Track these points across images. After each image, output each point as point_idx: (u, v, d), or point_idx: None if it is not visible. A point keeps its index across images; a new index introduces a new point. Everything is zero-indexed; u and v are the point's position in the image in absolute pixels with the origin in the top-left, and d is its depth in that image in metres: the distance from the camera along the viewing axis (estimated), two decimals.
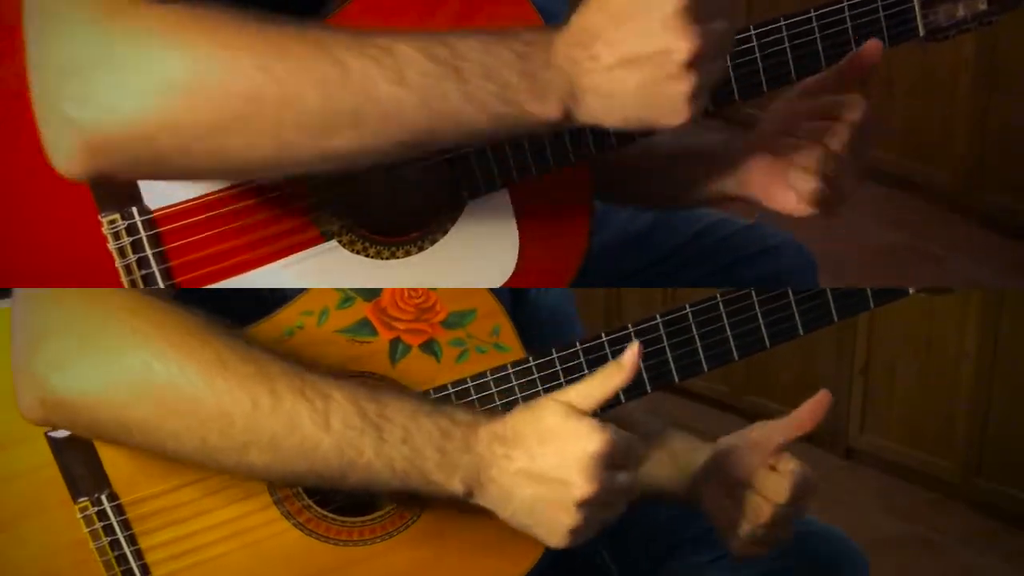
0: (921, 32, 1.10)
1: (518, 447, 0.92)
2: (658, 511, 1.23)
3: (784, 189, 1.10)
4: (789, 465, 1.07)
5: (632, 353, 0.95)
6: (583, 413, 0.93)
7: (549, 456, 0.92)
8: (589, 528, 0.93)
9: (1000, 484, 2.48)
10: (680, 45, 0.86)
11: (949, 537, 2.48)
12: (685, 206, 1.28)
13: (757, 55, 1.05)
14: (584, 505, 0.91)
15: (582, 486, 0.91)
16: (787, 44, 1.06)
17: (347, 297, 0.99)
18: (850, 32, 1.07)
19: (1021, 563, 2.39)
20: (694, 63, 0.87)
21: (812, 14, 1.06)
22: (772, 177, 1.11)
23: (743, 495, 1.08)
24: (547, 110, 0.89)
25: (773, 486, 1.07)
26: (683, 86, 0.88)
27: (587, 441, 0.91)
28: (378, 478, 0.92)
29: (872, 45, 1.06)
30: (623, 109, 0.89)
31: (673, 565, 1.21)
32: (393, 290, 0.99)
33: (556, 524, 0.93)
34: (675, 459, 1.18)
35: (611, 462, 0.92)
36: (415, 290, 1.00)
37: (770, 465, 1.08)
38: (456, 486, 0.93)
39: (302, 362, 0.92)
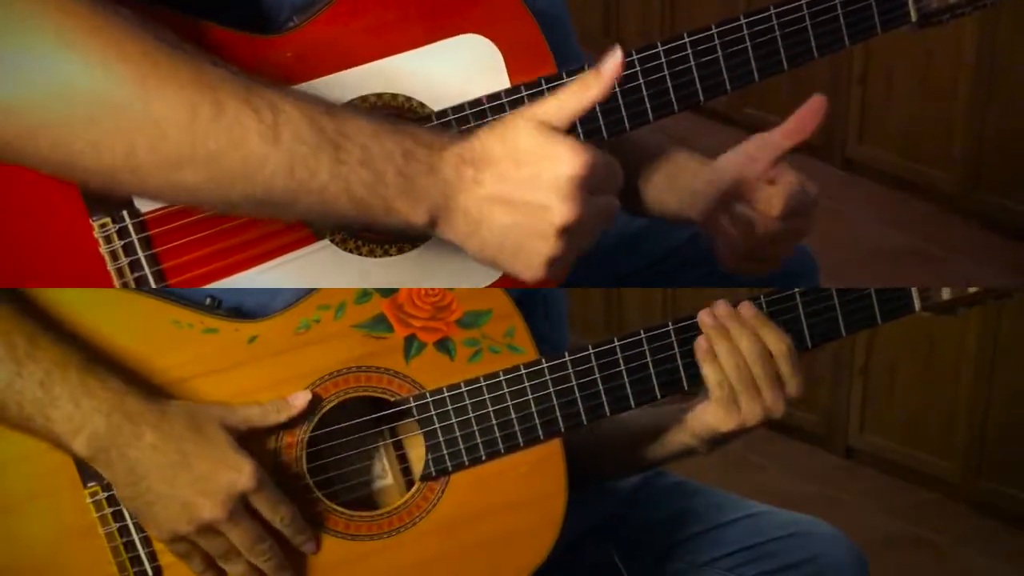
0: (913, 17, 1.08)
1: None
2: (658, 510, 1.24)
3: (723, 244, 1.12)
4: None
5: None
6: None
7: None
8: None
9: (1000, 484, 2.48)
10: (560, 208, 0.86)
11: (949, 537, 2.48)
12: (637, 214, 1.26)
13: (748, 44, 1.05)
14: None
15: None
16: (777, 33, 1.05)
17: (365, 292, 0.99)
18: (841, 19, 1.07)
19: (1021, 563, 2.39)
20: (566, 230, 0.86)
21: (802, 1, 1.06)
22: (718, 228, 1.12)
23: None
24: (414, 214, 0.87)
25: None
26: (546, 248, 0.87)
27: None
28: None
29: (816, 102, 1.07)
30: (484, 242, 0.89)
31: (672, 566, 1.21)
32: (410, 288, 1.00)
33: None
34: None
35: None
36: (432, 288, 1.00)
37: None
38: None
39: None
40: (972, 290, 1.07)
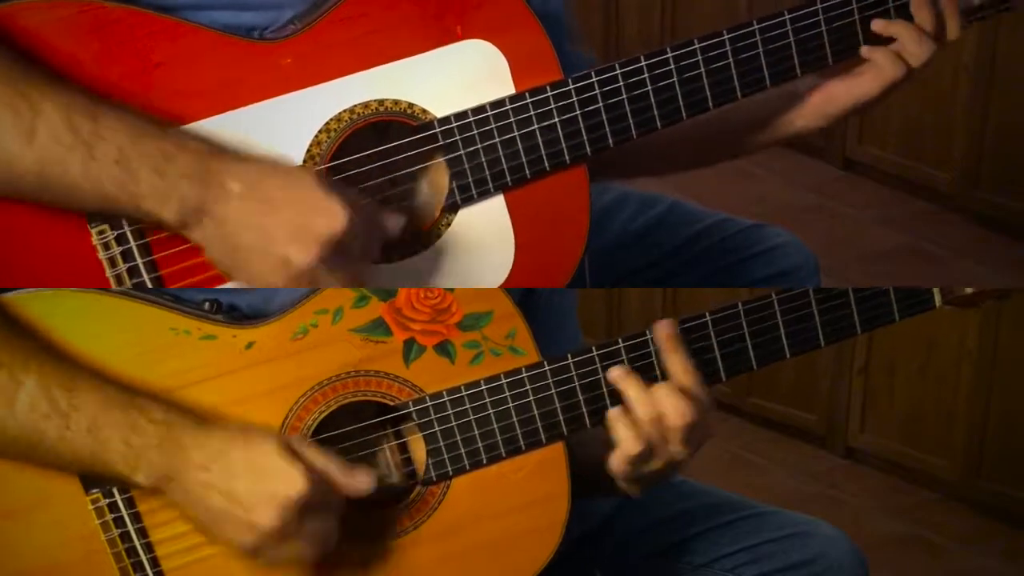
0: None
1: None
2: (658, 510, 1.23)
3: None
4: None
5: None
6: (297, 455, 0.93)
7: (246, 482, 0.92)
8: (273, 557, 0.94)
9: (1000, 484, 2.48)
10: (298, 255, 0.93)
11: (949, 537, 2.48)
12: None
13: (760, 50, 1.06)
14: (263, 535, 0.92)
15: (264, 517, 0.91)
16: (791, 39, 1.06)
17: (362, 296, 0.99)
18: (857, 24, 1.08)
19: (1021, 563, 2.39)
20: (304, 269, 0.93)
21: (819, 7, 1.06)
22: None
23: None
24: (164, 212, 0.91)
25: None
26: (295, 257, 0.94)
27: (287, 484, 0.92)
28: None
29: None
30: (224, 253, 0.94)
31: (672, 566, 1.21)
32: (409, 290, 0.99)
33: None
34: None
35: (306, 507, 0.92)
36: (431, 291, 1.00)
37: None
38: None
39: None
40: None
